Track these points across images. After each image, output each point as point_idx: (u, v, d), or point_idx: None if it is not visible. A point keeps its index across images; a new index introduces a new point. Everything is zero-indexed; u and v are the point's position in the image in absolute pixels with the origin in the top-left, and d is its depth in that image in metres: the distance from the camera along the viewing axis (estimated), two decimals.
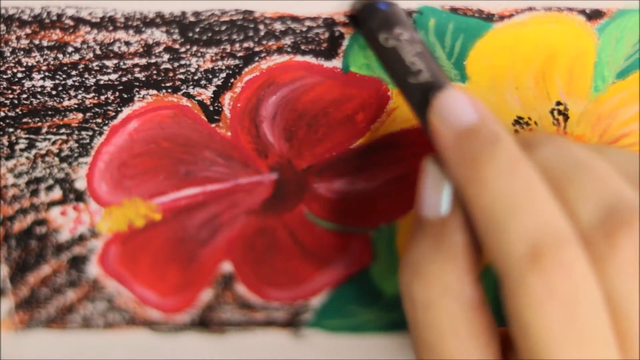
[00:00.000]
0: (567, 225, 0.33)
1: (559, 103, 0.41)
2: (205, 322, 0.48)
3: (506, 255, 0.33)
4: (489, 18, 0.39)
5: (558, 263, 0.32)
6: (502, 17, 0.39)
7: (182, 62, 0.39)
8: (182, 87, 0.40)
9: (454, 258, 0.35)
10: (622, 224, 0.33)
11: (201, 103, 0.41)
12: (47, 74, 0.39)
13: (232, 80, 0.40)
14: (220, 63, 0.39)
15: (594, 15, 0.39)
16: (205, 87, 0.40)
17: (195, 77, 0.40)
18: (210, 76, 0.40)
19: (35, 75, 0.39)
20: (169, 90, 0.40)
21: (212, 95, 0.40)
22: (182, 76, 0.40)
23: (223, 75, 0.40)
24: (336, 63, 0.40)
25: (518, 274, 0.33)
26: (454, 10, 0.38)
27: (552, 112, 0.41)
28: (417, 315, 0.35)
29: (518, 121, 0.41)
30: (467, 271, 0.35)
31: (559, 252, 0.33)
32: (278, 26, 0.38)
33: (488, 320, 0.35)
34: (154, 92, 0.40)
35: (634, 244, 0.33)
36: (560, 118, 0.42)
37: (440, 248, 0.35)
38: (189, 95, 0.40)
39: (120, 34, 0.38)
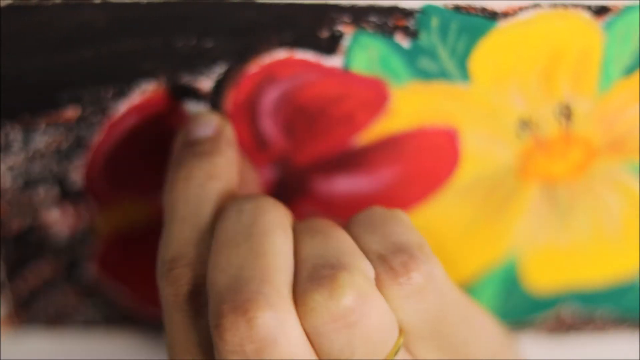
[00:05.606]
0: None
1: (563, 103, 0.41)
2: None
3: None
4: (493, 16, 0.38)
5: None
6: (506, 15, 0.38)
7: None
8: (182, 80, 0.40)
9: None
10: None
11: (200, 97, 0.40)
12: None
13: (231, 74, 0.40)
14: (219, 57, 0.39)
15: (600, 11, 0.39)
16: (204, 80, 0.40)
17: (195, 70, 0.39)
18: (210, 69, 0.39)
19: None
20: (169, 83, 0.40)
21: (212, 89, 0.40)
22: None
23: (223, 69, 0.39)
24: (336, 61, 0.39)
25: None
26: (457, 8, 0.38)
27: (556, 112, 0.41)
28: None
29: (521, 122, 0.41)
30: None
31: None
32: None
33: None
34: (154, 84, 0.40)
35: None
36: (564, 118, 0.41)
37: None
38: (188, 89, 0.40)
39: None
